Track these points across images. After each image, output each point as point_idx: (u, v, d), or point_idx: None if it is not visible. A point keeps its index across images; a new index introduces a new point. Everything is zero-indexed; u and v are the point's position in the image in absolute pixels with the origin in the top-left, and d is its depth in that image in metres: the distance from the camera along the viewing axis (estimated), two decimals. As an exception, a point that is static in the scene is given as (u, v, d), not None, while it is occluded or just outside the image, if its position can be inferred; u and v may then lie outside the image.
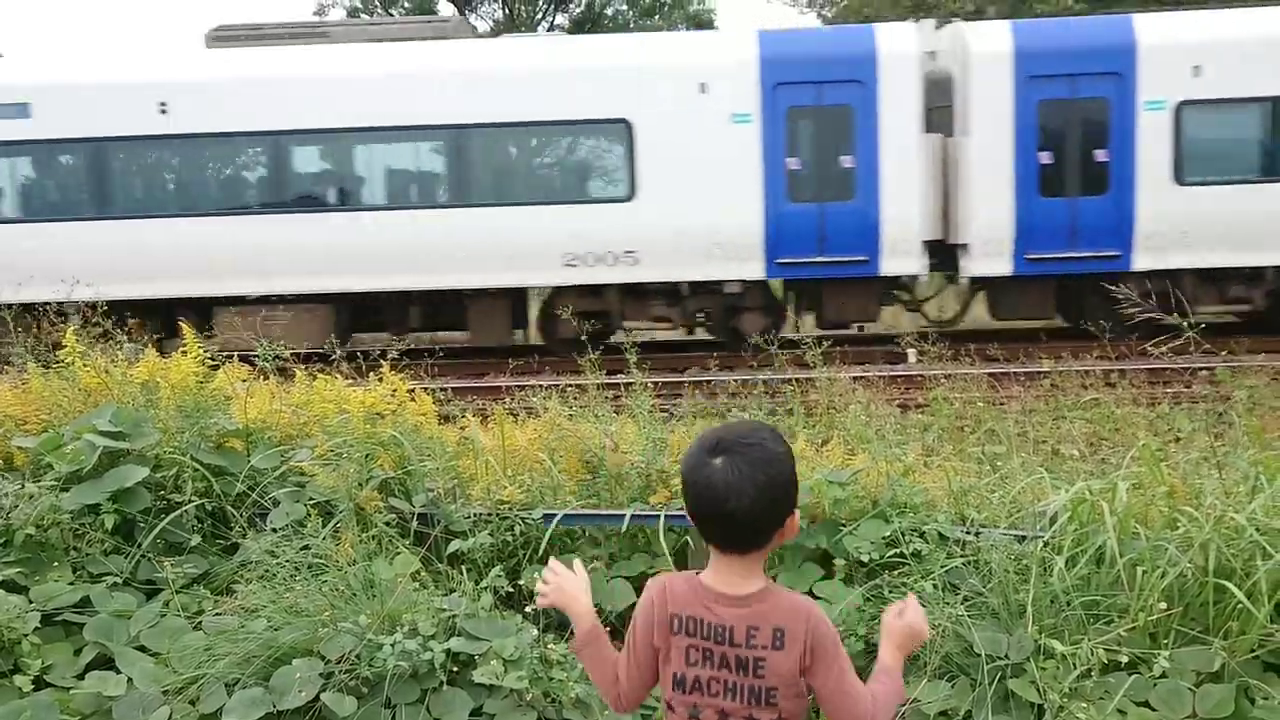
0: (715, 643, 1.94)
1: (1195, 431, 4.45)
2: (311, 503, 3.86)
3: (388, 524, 3.77)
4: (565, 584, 2.11)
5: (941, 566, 3.36)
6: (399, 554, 3.63)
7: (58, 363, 4.83)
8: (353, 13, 35.28)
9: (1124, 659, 2.95)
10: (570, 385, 6.35)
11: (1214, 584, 3.07)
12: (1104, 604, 3.14)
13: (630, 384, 5.73)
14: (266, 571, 3.53)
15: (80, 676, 3.23)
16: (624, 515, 3.82)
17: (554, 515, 3.82)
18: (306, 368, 5.16)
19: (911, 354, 11.06)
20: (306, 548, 3.57)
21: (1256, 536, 3.11)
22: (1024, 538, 3.42)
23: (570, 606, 2.09)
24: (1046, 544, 3.31)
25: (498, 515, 3.86)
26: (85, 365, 4.63)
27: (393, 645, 3.06)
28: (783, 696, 1.94)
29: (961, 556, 3.41)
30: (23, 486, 3.79)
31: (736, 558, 1.95)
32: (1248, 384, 5.59)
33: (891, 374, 10.62)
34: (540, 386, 6.38)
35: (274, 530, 3.75)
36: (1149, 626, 3.06)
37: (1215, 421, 5.20)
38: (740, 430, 1.96)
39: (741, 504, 1.88)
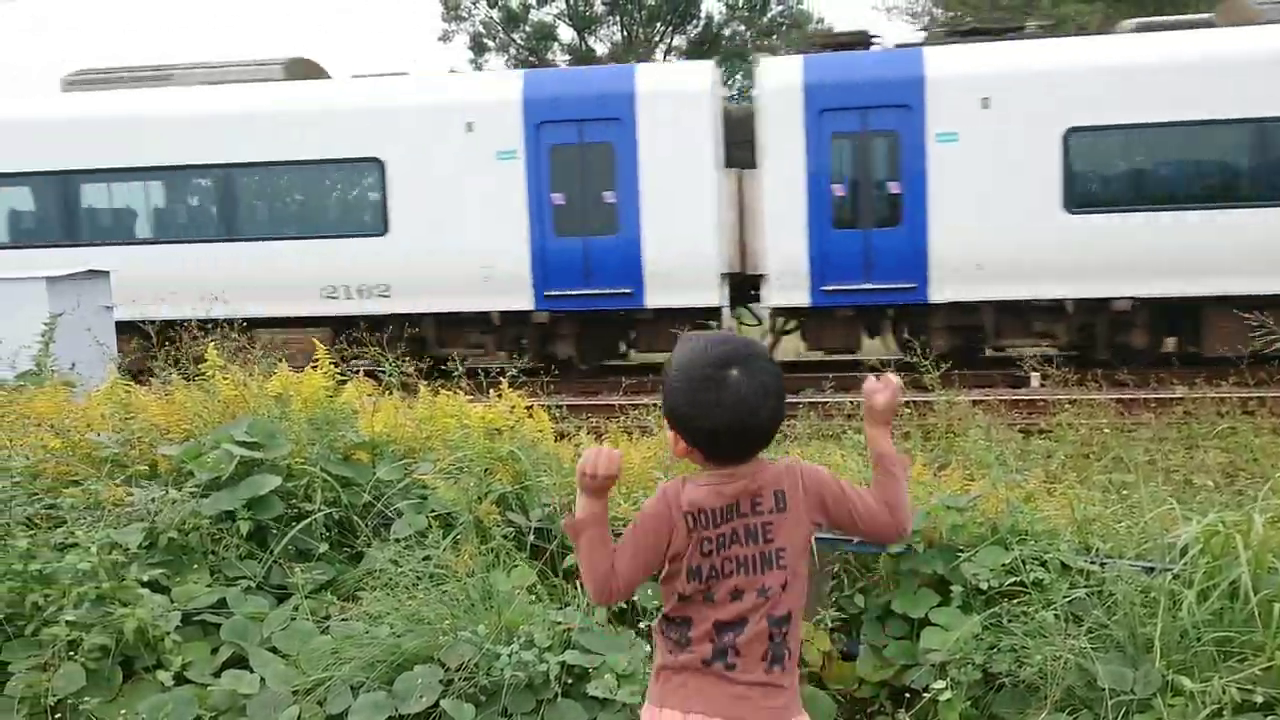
0: (725, 520, 2.04)
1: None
2: (433, 514, 3.98)
3: (505, 537, 3.86)
4: (604, 465, 2.04)
5: (1064, 596, 3.27)
6: (516, 566, 3.71)
7: (199, 375, 5.09)
8: (475, 38, 36.20)
9: (1259, 699, 2.82)
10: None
11: (1359, 624, 2.92)
12: (1237, 641, 3.01)
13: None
14: (390, 580, 3.65)
15: (217, 674, 3.40)
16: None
17: (667, 533, 3.84)
18: (428, 383, 5.33)
19: (1035, 378, 10.78)
20: (428, 558, 3.68)
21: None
22: (1152, 569, 3.31)
23: (598, 488, 2.07)
24: (1176, 576, 3.20)
25: (613, 532, 3.90)
26: (225, 378, 4.87)
27: (510, 655, 3.13)
28: (789, 556, 2.05)
29: (1085, 587, 3.32)
30: (166, 492, 4.00)
31: (740, 465, 2.05)
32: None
33: (1013, 398, 10.36)
34: (654, 405, 6.43)
35: (397, 540, 3.88)
36: (1287, 666, 2.92)
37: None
38: (735, 342, 2.06)
39: (767, 409, 2.01)
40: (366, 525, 4.07)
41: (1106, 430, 6.13)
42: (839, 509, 2.10)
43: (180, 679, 3.36)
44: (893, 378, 2.14)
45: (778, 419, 2.05)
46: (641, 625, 3.44)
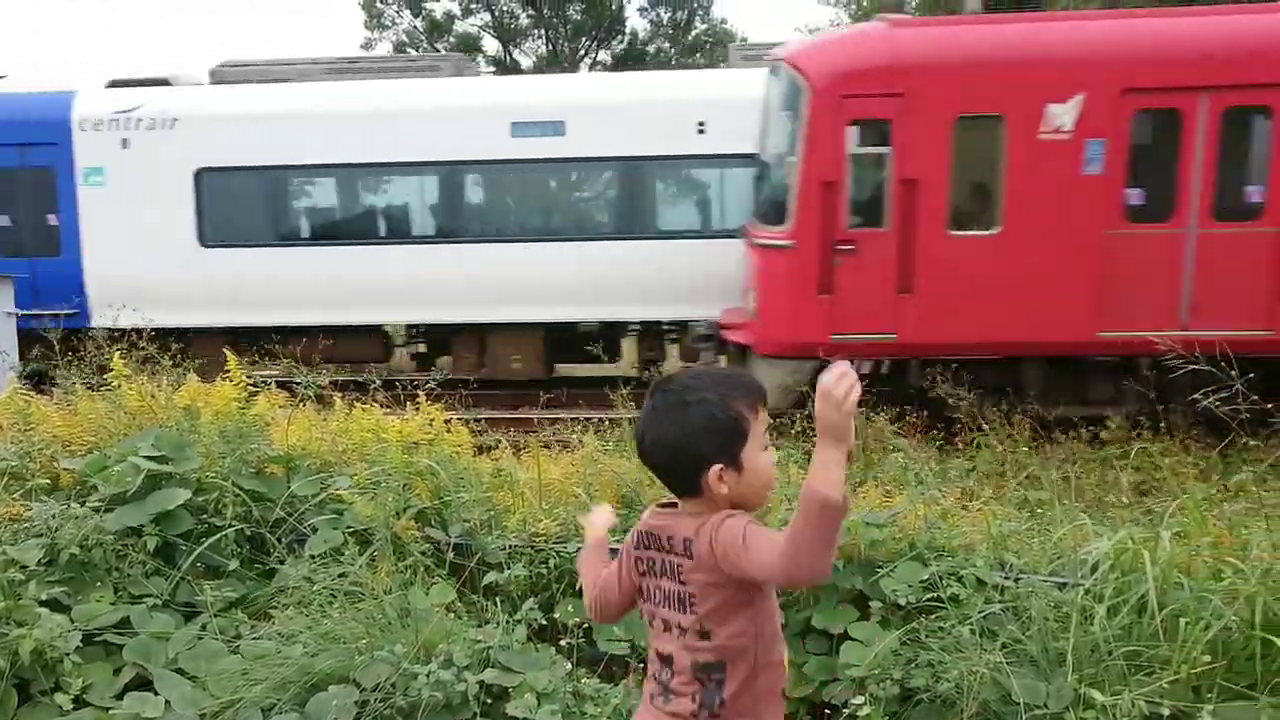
0: (655, 549, 2.07)
1: (1243, 481, 4.37)
2: (349, 530, 3.89)
3: (424, 554, 3.79)
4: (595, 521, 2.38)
5: (980, 611, 3.32)
6: (435, 584, 3.64)
7: (104, 385, 4.91)
8: (399, 47, 35.88)
9: (1166, 712, 2.89)
10: (605, 419, 6.36)
11: (1261, 638, 3.01)
12: (1146, 655, 3.08)
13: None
14: (304, 598, 3.55)
15: (119, 697, 3.27)
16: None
17: (589, 549, 3.81)
18: (344, 396, 5.22)
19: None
20: (343, 575, 3.60)
21: (1305, 590, 3.05)
22: (1064, 585, 3.38)
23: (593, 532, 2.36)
24: (1088, 592, 3.26)
25: (532, 548, 3.86)
26: (130, 389, 4.71)
27: (428, 675, 3.07)
28: (699, 604, 1.99)
29: (1000, 602, 3.37)
30: (68, 507, 3.85)
31: (685, 499, 2.04)
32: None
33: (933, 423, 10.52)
34: (576, 419, 6.40)
35: (312, 557, 3.78)
36: (1192, 679, 3.00)
37: (1268, 473, 5.11)
38: (688, 374, 2.06)
39: (644, 446, 2.03)
40: (280, 541, 3.96)
41: (1023, 449, 6.26)
42: (729, 561, 1.90)
43: (80, 702, 3.23)
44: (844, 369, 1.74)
45: (657, 457, 2.01)
46: (562, 643, 3.40)
